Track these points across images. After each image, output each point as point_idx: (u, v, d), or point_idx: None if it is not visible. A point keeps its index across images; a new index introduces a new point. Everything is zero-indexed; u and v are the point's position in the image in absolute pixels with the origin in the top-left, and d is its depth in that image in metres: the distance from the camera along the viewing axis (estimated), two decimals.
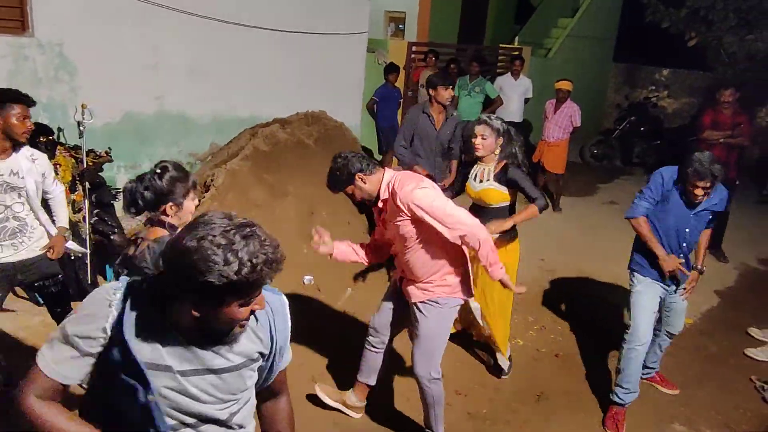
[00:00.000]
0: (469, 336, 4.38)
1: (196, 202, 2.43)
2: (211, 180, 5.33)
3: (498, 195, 3.67)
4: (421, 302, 2.99)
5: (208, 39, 5.91)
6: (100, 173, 4.66)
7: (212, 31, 5.88)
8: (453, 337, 4.31)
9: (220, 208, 5.05)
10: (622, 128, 9.90)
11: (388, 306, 3.25)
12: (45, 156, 3.22)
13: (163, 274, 1.40)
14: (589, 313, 4.86)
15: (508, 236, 3.75)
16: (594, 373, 3.98)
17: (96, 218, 4.48)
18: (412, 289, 3.02)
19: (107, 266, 4.66)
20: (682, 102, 11.57)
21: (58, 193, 3.31)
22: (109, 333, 1.42)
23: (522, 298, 5.04)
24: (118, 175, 5.53)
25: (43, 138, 4.23)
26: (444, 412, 3.50)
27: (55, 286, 3.24)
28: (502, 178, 3.64)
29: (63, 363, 1.45)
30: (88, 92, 5.16)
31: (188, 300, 1.35)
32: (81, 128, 4.55)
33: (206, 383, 1.49)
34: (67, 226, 3.42)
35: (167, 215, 2.28)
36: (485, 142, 3.60)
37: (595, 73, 11.61)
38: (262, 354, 1.58)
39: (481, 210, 3.66)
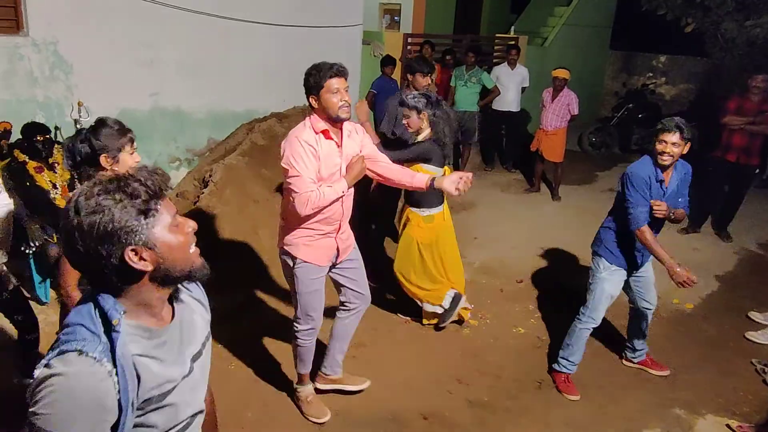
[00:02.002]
0: (470, 326, 4.41)
1: (136, 158, 2.52)
2: (209, 175, 5.34)
3: (425, 171, 3.68)
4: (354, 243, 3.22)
5: (202, 34, 5.90)
6: None
7: (206, 26, 5.87)
8: (446, 328, 4.35)
9: (219, 203, 5.06)
10: (620, 115, 9.88)
11: (323, 296, 3.17)
12: None
13: (85, 267, 1.28)
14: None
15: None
16: (593, 360, 4.00)
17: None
18: (346, 238, 3.13)
19: None
20: (680, 88, 11.55)
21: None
22: (117, 403, 1.25)
23: (522, 287, 5.07)
24: None
25: (40, 137, 4.23)
26: (444, 400, 3.54)
27: (8, 292, 3.16)
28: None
29: None
30: (83, 90, 5.15)
31: (129, 262, 1.24)
32: (78, 126, 4.57)
33: (201, 376, 1.48)
34: None
35: (104, 169, 2.40)
36: (410, 120, 3.85)
37: (592, 61, 11.58)
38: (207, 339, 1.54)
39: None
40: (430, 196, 3.92)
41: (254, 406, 3.40)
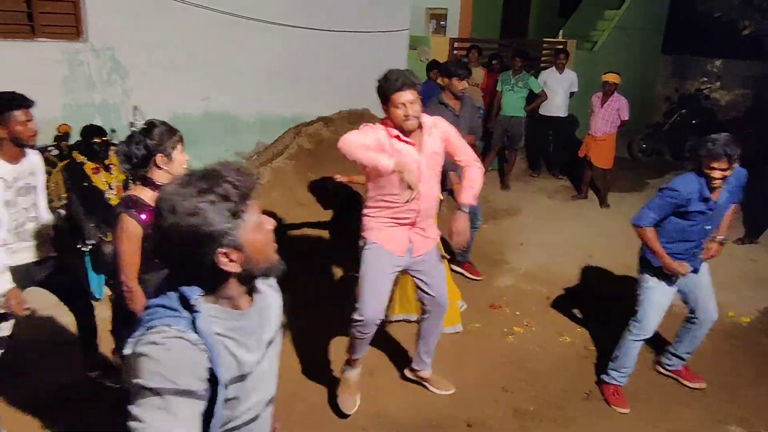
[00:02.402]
0: (515, 333, 4.34)
1: (186, 157, 2.57)
2: (257, 178, 5.43)
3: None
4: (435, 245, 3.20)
5: (252, 40, 6.01)
6: None
7: (256, 31, 5.98)
8: (490, 335, 4.29)
9: (266, 205, 5.14)
10: (673, 121, 9.60)
11: (387, 287, 3.15)
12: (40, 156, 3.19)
13: (174, 264, 1.33)
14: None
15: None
16: (642, 372, 3.87)
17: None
18: (423, 238, 3.11)
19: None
20: (735, 93, 11.14)
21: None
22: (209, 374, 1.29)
23: (568, 295, 4.97)
24: None
25: (97, 139, 4.38)
26: (489, 409, 3.49)
27: (70, 280, 3.31)
28: None
29: (182, 424, 1.22)
30: (138, 94, 5.32)
31: (219, 263, 1.27)
32: (133, 129, 4.71)
33: (271, 363, 1.51)
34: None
35: (159, 167, 2.48)
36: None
37: (643, 66, 11.28)
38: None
39: None
40: None
41: (307, 401, 3.43)
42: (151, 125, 2.56)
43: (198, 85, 5.81)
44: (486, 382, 3.75)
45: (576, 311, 4.71)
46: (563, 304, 4.83)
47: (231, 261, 1.29)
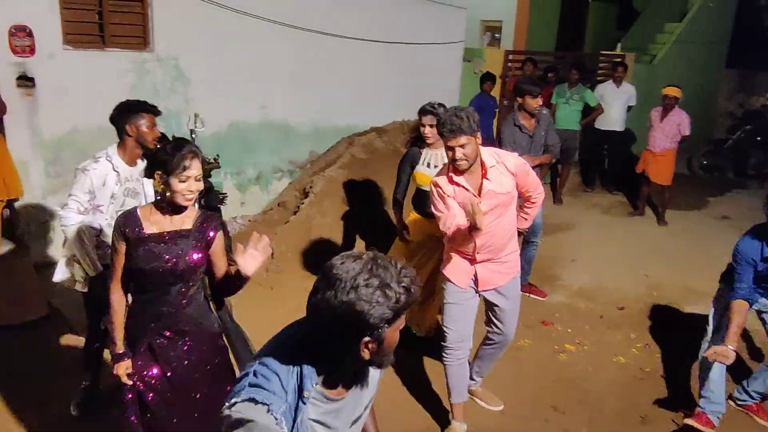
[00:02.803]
0: (567, 351, 4.24)
1: (190, 186, 2.36)
2: (310, 186, 5.51)
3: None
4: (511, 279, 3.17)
5: (308, 50, 6.13)
6: (208, 179, 4.93)
7: (312, 42, 6.10)
8: (541, 352, 4.20)
9: (318, 213, 5.21)
10: (736, 138, 9.24)
11: (470, 313, 3.18)
12: None
13: (319, 335, 1.40)
14: (697, 332, 4.54)
15: None
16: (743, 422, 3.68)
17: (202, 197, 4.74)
18: (493, 273, 3.09)
19: None
20: None
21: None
22: None
23: (624, 314, 4.83)
24: (224, 181, 5.83)
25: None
26: (540, 428, 3.42)
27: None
28: None
29: None
30: (199, 103, 5.48)
31: (360, 349, 1.37)
32: (193, 136, 4.85)
33: (355, 428, 1.60)
34: None
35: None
36: (433, 130, 3.68)
37: (704, 80, 10.92)
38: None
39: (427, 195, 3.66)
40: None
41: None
42: (167, 140, 2.71)
43: (255, 95, 5.95)
44: (536, 400, 3.68)
45: (631, 332, 4.57)
46: (618, 323, 4.69)
47: (367, 350, 1.38)
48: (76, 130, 4.95)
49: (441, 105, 3.77)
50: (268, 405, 1.34)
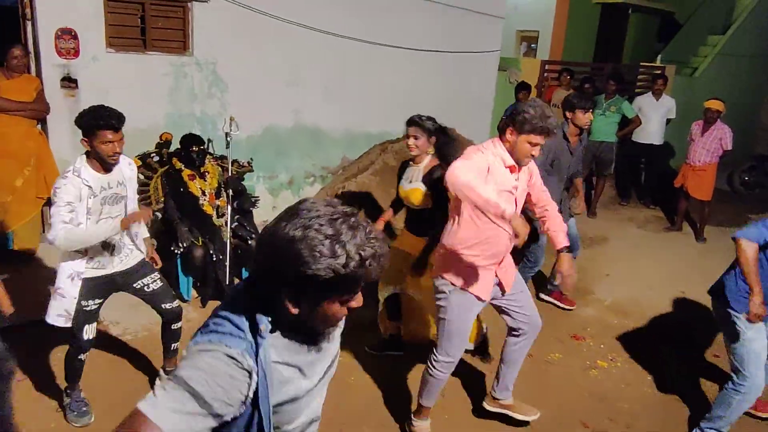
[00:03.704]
0: (599, 367, 4.14)
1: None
2: (342, 192, 5.52)
3: (421, 196, 3.54)
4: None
5: (343, 57, 6.17)
6: (242, 182, 4.98)
7: (349, 49, 6.13)
8: (572, 367, 4.11)
9: None
10: None
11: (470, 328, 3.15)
12: (135, 167, 3.28)
13: (258, 266, 1.29)
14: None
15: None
16: (745, 421, 3.58)
17: (236, 223, 4.79)
18: (507, 272, 3.03)
19: (243, 269, 4.95)
20: None
21: (134, 206, 3.27)
22: (249, 400, 1.28)
23: (658, 332, 4.70)
24: (257, 185, 5.89)
25: (195, 147, 4.60)
26: None
27: (157, 282, 3.27)
28: (427, 178, 3.53)
29: (184, 422, 1.20)
30: (235, 107, 5.56)
31: (286, 294, 1.25)
32: (228, 139, 4.90)
33: (323, 386, 1.51)
34: (148, 236, 3.46)
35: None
36: (417, 142, 3.55)
37: (746, 94, 10.63)
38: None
39: (408, 211, 3.75)
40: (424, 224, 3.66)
41: (371, 424, 3.41)
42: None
43: (290, 100, 6.01)
44: (566, 415, 3.59)
45: (665, 350, 4.44)
46: (652, 340, 4.56)
47: (294, 304, 1.26)
48: None
49: (429, 118, 3.62)
50: (224, 342, 1.25)
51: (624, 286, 5.47)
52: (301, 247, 1.17)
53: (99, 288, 3.07)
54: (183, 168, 4.59)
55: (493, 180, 2.72)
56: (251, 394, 1.26)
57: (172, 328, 3.33)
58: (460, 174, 2.57)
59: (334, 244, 1.17)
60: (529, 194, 3.02)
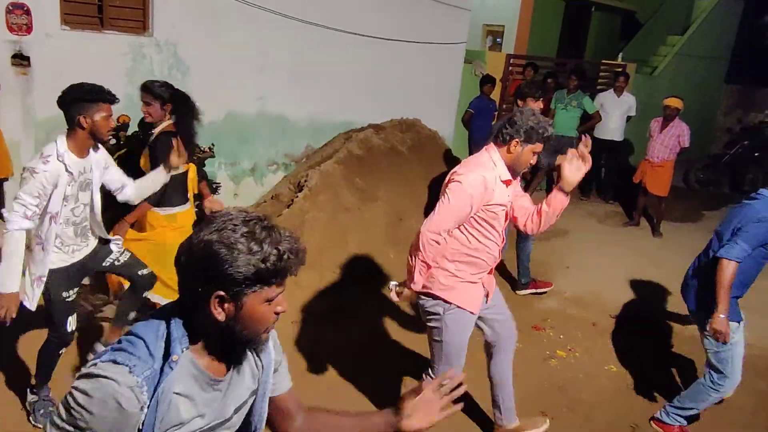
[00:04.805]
0: (558, 357, 4.20)
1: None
2: (305, 180, 5.44)
3: (144, 160, 3.47)
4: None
5: (310, 43, 6.06)
6: (202, 168, 4.86)
7: (313, 36, 6.03)
8: (532, 357, 4.15)
9: (312, 208, 5.13)
10: (734, 153, 9.26)
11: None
12: (104, 150, 3.12)
13: (180, 280, 1.29)
14: (691, 345, 4.51)
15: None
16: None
17: (197, 209, 4.67)
18: (491, 279, 3.00)
19: None
20: None
21: (130, 182, 3.17)
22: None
23: (616, 323, 4.79)
24: (218, 171, 5.75)
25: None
26: None
27: (123, 254, 3.16)
28: (154, 142, 3.46)
29: None
30: (197, 91, 5.30)
31: (209, 301, 1.24)
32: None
33: (237, 418, 1.46)
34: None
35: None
36: (149, 108, 3.45)
37: (703, 94, 10.96)
38: (254, 392, 1.50)
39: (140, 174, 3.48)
40: (173, 193, 3.59)
41: None
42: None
43: (253, 86, 5.87)
44: (524, 404, 3.59)
45: (623, 341, 4.53)
46: (610, 332, 4.65)
47: (221, 308, 1.25)
48: None
49: (164, 84, 3.48)
50: (129, 366, 1.22)
51: (584, 279, 5.56)
52: (218, 248, 1.20)
53: (75, 276, 2.98)
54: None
55: (491, 198, 2.70)
56: (140, 425, 1.24)
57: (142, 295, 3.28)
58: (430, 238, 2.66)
59: (250, 242, 1.21)
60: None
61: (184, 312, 1.30)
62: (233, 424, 1.46)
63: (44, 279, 2.83)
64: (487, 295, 2.95)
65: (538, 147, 2.70)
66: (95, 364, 1.24)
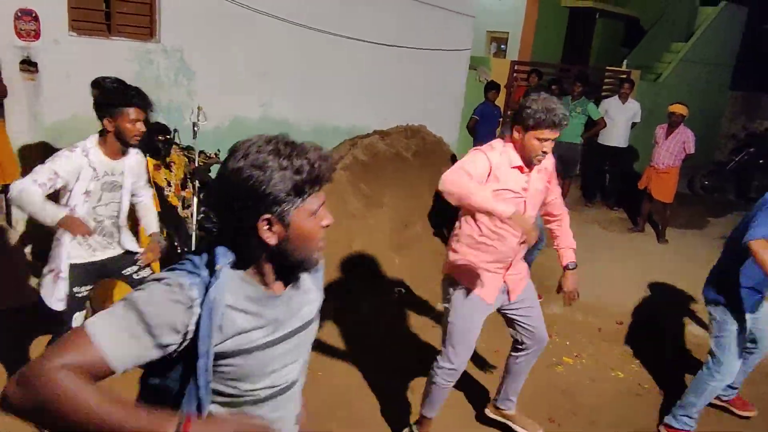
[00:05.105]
0: (564, 363, 4.19)
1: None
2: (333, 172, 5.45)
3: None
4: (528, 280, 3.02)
5: (315, 50, 6.09)
6: (208, 173, 4.87)
7: (318, 42, 6.06)
8: (538, 362, 4.14)
9: None
10: (739, 160, 9.24)
11: (478, 330, 2.99)
12: (144, 159, 3.16)
13: (218, 215, 1.32)
14: (697, 349, 4.49)
15: None
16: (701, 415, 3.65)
17: (202, 215, 4.68)
18: (519, 279, 2.94)
19: None
20: None
21: (147, 199, 3.23)
22: (190, 334, 1.25)
23: (622, 329, 4.78)
24: None
25: (161, 137, 4.48)
26: None
27: (145, 269, 3.16)
28: None
29: (124, 342, 1.18)
30: (202, 96, 5.42)
31: (259, 228, 1.24)
32: (195, 129, 4.78)
33: (295, 351, 1.44)
34: (158, 231, 3.34)
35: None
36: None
37: (708, 101, 10.96)
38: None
39: None
40: None
41: (338, 418, 3.36)
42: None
43: (258, 92, 5.90)
44: (531, 410, 3.59)
45: (629, 347, 4.52)
46: (616, 338, 4.64)
47: (270, 231, 1.26)
48: (77, 116, 4.88)
49: (117, 80, 3.14)
50: (178, 271, 1.27)
51: (588, 285, 5.51)
52: (250, 172, 1.21)
53: (90, 274, 2.98)
54: (148, 158, 4.46)
55: (496, 181, 2.64)
56: (192, 327, 1.23)
57: None
58: (451, 180, 2.55)
59: (279, 158, 1.22)
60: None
61: (224, 239, 1.32)
62: (290, 350, 1.43)
63: (62, 275, 2.85)
64: (508, 293, 2.91)
65: (544, 133, 2.54)
66: (156, 276, 1.29)
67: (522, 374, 3.19)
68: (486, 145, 2.75)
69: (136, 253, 3.14)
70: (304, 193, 1.25)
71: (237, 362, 1.32)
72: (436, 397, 3.03)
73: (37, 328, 3.62)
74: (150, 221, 3.26)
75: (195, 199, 4.54)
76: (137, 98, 2.79)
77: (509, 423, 3.31)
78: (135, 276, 3.15)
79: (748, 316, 3.24)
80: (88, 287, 3.01)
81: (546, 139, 2.57)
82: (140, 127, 2.81)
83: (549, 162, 2.82)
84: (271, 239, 1.27)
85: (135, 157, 3.03)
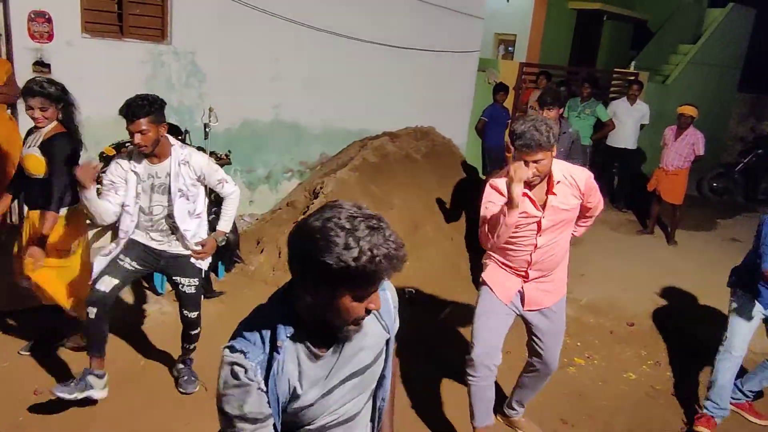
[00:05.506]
0: (576, 365, 4.18)
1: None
2: (321, 187, 5.46)
3: (38, 164, 3.19)
4: (558, 299, 3.00)
5: (324, 52, 6.11)
6: None
7: (329, 44, 6.08)
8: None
9: None
10: (747, 162, 9.21)
11: (502, 327, 3.00)
12: (201, 157, 3.19)
13: (288, 258, 1.33)
14: (706, 352, 4.47)
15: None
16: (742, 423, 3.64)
17: (213, 216, 4.68)
18: (542, 292, 2.94)
19: (219, 263, 4.86)
20: None
21: (229, 194, 3.32)
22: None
23: (634, 330, 4.76)
24: (234, 178, 5.75)
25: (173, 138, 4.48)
26: None
27: (191, 287, 3.27)
28: (46, 145, 3.18)
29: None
30: (213, 98, 5.45)
31: (305, 285, 1.29)
32: (207, 130, 4.81)
33: (351, 390, 1.47)
34: (226, 231, 3.41)
35: None
36: (47, 113, 3.16)
37: (716, 103, 10.92)
38: (387, 342, 1.55)
39: (27, 180, 3.29)
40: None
41: None
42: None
43: (269, 94, 5.92)
44: (544, 412, 3.59)
45: (641, 349, 4.50)
46: (628, 339, 4.62)
47: (313, 294, 1.29)
48: (89, 118, 4.81)
49: (51, 83, 3.19)
50: (245, 352, 1.32)
51: (599, 287, 5.53)
52: (318, 236, 1.22)
53: (139, 251, 3.14)
54: None
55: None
56: (265, 399, 1.34)
57: (188, 332, 3.40)
58: (484, 238, 2.77)
59: (348, 237, 1.20)
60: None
61: (291, 293, 1.37)
62: (345, 393, 1.46)
63: (122, 242, 3.11)
64: (522, 299, 2.94)
65: (526, 155, 2.56)
66: (227, 348, 1.36)
67: (529, 390, 3.24)
68: (501, 172, 2.82)
69: (193, 267, 3.26)
70: (353, 282, 1.24)
71: (295, 417, 1.42)
72: (473, 400, 3.03)
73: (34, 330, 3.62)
74: (221, 217, 3.39)
75: (206, 200, 4.53)
76: (125, 111, 2.88)
77: (515, 428, 3.34)
78: (180, 288, 3.28)
79: (762, 309, 3.33)
80: (133, 263, 3.12)
81: (531, 161, 2.58)
82: (137, 138, 2.88)
83: (582, 174, 2.77)
84: (310, 299, 1.30)
85: (181, 163, 3.07)
